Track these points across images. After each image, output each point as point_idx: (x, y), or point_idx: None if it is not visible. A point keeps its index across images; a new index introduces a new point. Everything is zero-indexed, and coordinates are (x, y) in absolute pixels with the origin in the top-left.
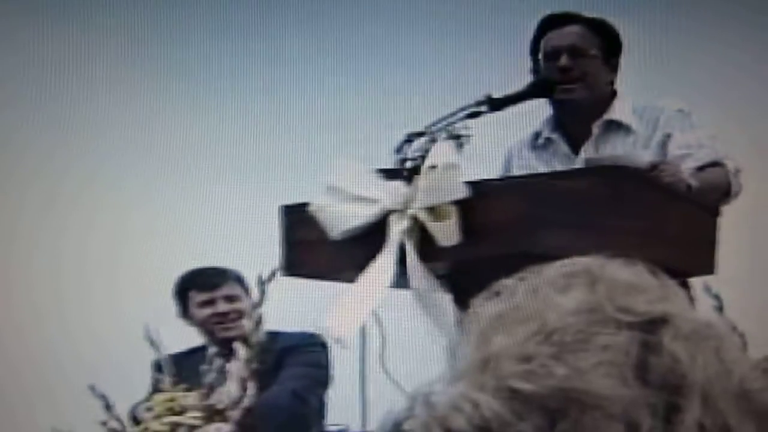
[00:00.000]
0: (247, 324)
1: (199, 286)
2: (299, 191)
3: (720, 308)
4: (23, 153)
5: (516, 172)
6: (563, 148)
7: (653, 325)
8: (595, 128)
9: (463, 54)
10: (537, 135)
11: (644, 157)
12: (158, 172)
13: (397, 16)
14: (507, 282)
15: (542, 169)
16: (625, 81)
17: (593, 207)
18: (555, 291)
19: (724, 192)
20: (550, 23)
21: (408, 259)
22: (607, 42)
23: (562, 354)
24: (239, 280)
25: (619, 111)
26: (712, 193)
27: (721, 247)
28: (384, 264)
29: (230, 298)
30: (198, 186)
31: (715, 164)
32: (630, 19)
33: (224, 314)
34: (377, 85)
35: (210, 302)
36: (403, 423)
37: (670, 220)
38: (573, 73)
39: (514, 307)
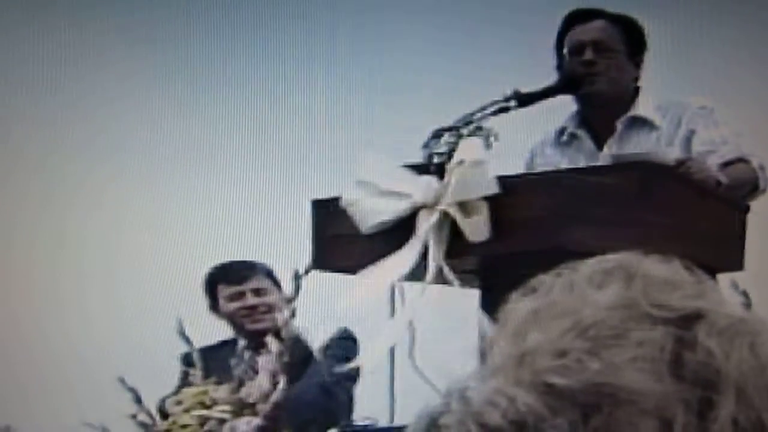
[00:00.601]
0: (279, 317)
1: (228, 280)
2: (331, 185)
3: (748, 305)
4: (51, 146)
5: (539, 170)
6: (588, 144)
7: (688, 320)
8: (619, 124)
9: (491, 50)
10: (562, 131)
11: (671, 153)
12: (191, 167)
13: (427, 11)
14: (543, 278)
15: (566, 165)
16: (648, 78)
17: (622, 202)
18: (591, 287)
19: (752, 188)
20: (575, 19)
21: (431, 255)
22: (631, 38)
23: (597, 349)
24: (268, 273)
25: (643, 107)
26: (740, 189)
27: (748, 243)
28: (404, 257)
29: (259, 292)
30: (230, 180)
31: (740, 160)
32: (654, 16)
33: (253, 307)
34: (406, 80)
35: (239, 295)
36: (438, 418)
37: (698, 216)
38: (597, 67)
39: (550, 303)
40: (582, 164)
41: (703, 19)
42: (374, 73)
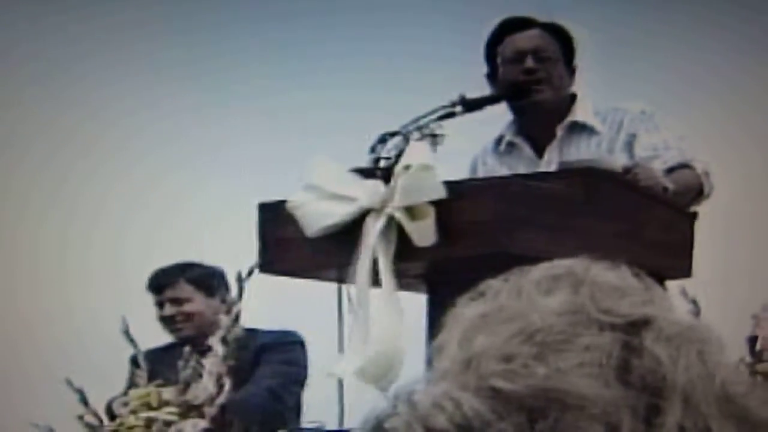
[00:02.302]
0: (224, 320)
1: (151, 288)
2: (278, 189)
3: (697, 313)
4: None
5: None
6: (527, 151)
7: (636, 326)
8: (560, 130)
9: (438, 53)
10: (499, 140)
11: (617, 160)
12: (138, 167)
13: (376, 14)
14: (491, 282)
15: (506, 173)
16: (585, 84)
17: (569, 208)
18: (539, 292)
19: (697, 193)
20: (508, 27)
21: (380, 260)
22: (565, 46)
23: (544, 354)
24: (192, 280)
25: (581, 113)
26: (686, 195)
27: (696, 250)
28: (363, 266)
29: (176, 301)
30: (177, 181)
31: (683, 166)
32: (586, 22)
33: (171, 317)
34: (353, 84)
35: (160, 305)
36: (385, 421)
37: (646, 222)
38: (539, 75)
39: (497, 308)
40: (521, 171)
41: (637, 25)
42: (322, 76)
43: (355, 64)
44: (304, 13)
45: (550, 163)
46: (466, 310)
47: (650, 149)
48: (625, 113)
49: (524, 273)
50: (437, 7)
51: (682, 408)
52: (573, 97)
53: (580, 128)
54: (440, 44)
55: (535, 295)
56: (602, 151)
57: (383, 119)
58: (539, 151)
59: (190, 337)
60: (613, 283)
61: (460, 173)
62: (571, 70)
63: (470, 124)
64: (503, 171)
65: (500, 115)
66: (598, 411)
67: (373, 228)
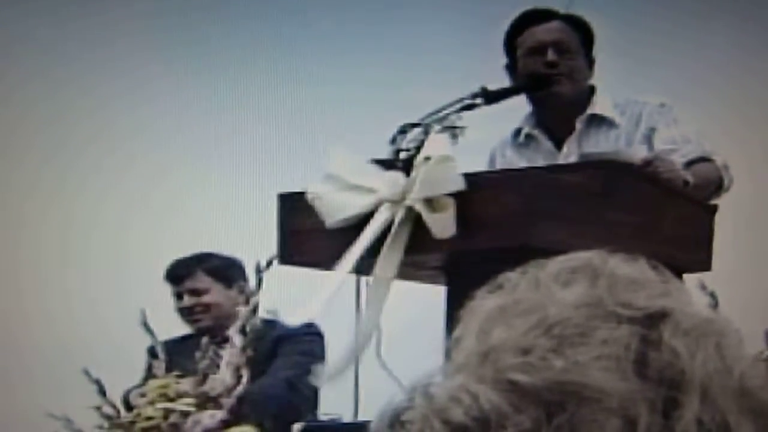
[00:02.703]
0: (242, 311)
1: (169, 279)
2: (298, 179)
3: (715, 306)
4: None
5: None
6: (546, 144)
7: (653, 319)
8: (579, 123)
9: (462, 45)
10: (518, 132)
11: (638, 152)
12: (159, 161)
13: (395, 5)
14: (509, 275)
15: (525, 166)
16: (603, 77)
17: (590, 201)
18: (557, 285)
19: (717, 187)
20: (529, 19)
21: (387, 248)
22: (585, 39)
23: (562, 347)
24: (211, 271)
25: (600, 106)
26: (706, 188)
27: (716, 244)
28: (383, 257)
29: (195, 292)
30: (197, 172)
31: (703, 159)
32: (608, 14)
33: (189, 308)
34: (375, 75)
35: (178, 296)
36: (402, 413)
37: (665, 215)
38: (560, 68)
39: (515, 300)
40: (540, 164)
41: (657, 17)
42: (343, 68)
43: (376, 57)
44: (323, 5)
45: (569, 155)
46: (483, 303)
47: (669, 142)
48: (644, 106)
49: (542, 265)
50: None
51: (699, 401)
52: (592, 90)
53: (599, 121)
54: (460, 37)
55: (552, 288)
56: (621, 144)
57: (404, 111)
58: (558, 144)
59: (208, 328)
60: (631, 275)
61: (480, 165)
62: (590, 62)
63: (490, 116)
64: (522, 163)
65: (520, 108)
66: (615, 404)
67: (393, 219)
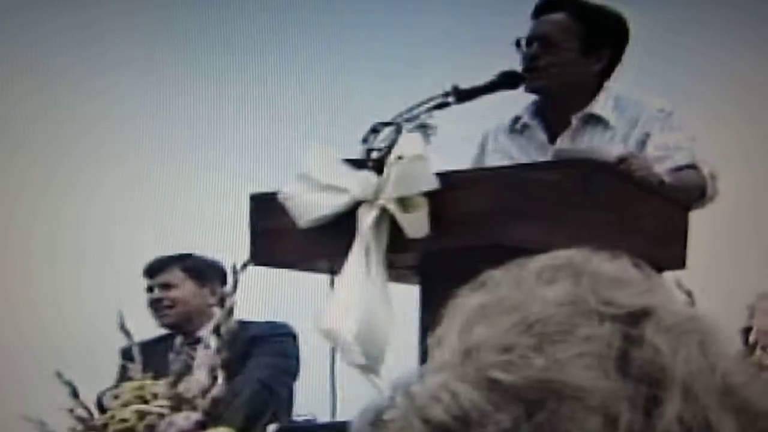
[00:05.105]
0: (217, 312)
1: (145, 273)
2: (270, 179)
3: (691, 304)
4: None
5: (489, 156)
6: (540, 135)
7: (636, 317)
8: (575, 120)
9: (433, 44)
10: (516, 120)
11: (613, 150)
12: (134, 160)
13: (368, 5)
14: (492, 273)
15: (516, 154)
16: (619, 75)
17: (563, 199)
18: (539, 283)
19: (699, 195)
20: (538, 10)
21: (372, 251)
22: (591, 32)
23: (543, 345)
24: (188, 269)
25: (600, 105)
26: (686, 193)
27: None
28: (357, 257)
29: (165, 286)
30: (170, 172)
31: (690, 167)
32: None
33: (157, 300)
34: (346, 74)
35: (150, 289)
36: (383, 413)
37: (640, 213)
38: (538, 63)
39: (497, 298)
40: (532, 155)
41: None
42: (315, 68)
43: (348, 55)
44: (296, 5)
45: (561, 149)
46: (466, 301)
47: (662, 149)
48: (643, 109)
49: (525, 264)
50: None
51: (681, 399)
52: (599, 86)
53: (596, 120)
54: (434, 33)
55: (535, 286)
56: (613, 145)
57: (376, 110)
58: (553, 137)
59: (173, 324)
60: (614, 274)
61: (453, 164)
62: (597, 58)
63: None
64: (513, 150)
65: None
66: (596, 402)
67: (366, 219)
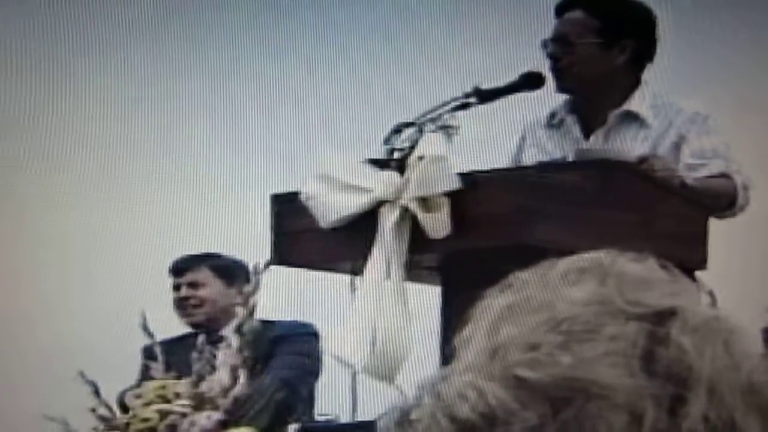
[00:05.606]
0: (240, 311)
1: (172, 271)
2: (293, 180)
3: (713, 304)
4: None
5: (528, 150)
6: (575, 131)
7: (662, 317)
8: (612, 117)
9: (455, 45)
10: (553, 114)
11: (634, 151)
12: (154, 160)
13: (389, 5)
14: (519, 274)
15: (551, 149)
16: (655, 72)
17: (584, 199)
18: (566, 284)
19: (728, 204)
20: (559, 10)
21: (393, 252)
22: (608, 25)
23: (569, 343)
24: (216, 268)
25: (637, 102)
26: (713, 200)
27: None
28: (378, 257)
29: (193, 285)
30: (192, 172)
31: (723, 176)
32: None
33: (185, 299)
34: (369, 74)
35: (176, 287)
36: (410, 412)
37: (661, 214)
38: (561, 63)
39: (524, 299)
40: (566, 150)
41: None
42: (336, 67)
43: (371, 55)
44: (320, 4)
45: (594, 146)
46: (493, 302)
47: (698, 156)
48: (679, 111)
49: (551, 265)
50: None
51: (706, 398)
52: (637, 82)
53: (632, 118)
54: (455, 35)
55: (561, 287)
56: (647, 145)
57: (398, 110)
58: (587, 133)
59: (200, 323)
60: (640, 274)
61: (475, 164)
62: (619, 50)
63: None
64: (549, 145)
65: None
66: (621, 400)
67: (388, 219)
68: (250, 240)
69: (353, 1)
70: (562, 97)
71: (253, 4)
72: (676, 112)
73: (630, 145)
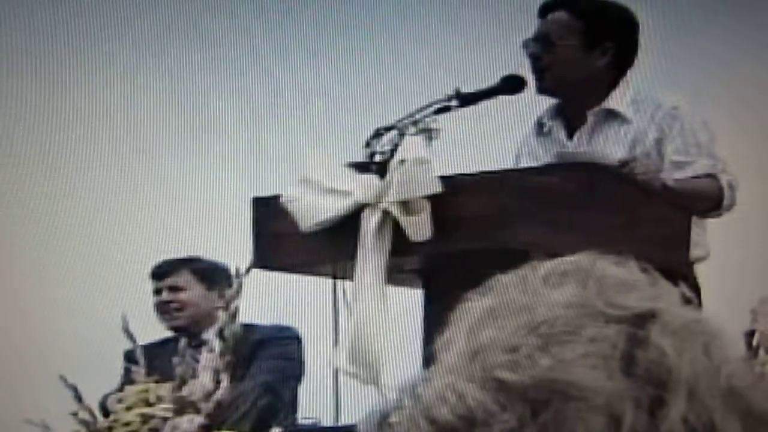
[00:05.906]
0: (221, 315)
1: (153, 275)
2: (273, 183)
3: (695, 307)
4: None
5: (525, 159)
6: (560, 134)
7: (642, 319)
8: (591, 116)
9: (436, 48)
10: (541, 123)
11: (616, 150)
12: (136, 162)
13: (367, 10)
14: (500, 277)
15: (542, 155)
16: (635, 69)
17: (565, 202)
18: (547, 286)
19: (713, 204)
20: (542, 10)
21: (374, 255)
22: (591, 26)
23: (548, 345)
24: (197, 271)
25: (616, 100)
26: (698, 202)
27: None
28: (359, 261)
29: (175, 288)
30: (173, 175)
31: (708, 176)
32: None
33: (166, 303)
34: (349, 78)
35: (157, 292)
36: (389, 414)
37: (642, 216)
38: (541, 63)
39: (505, 301)
40: (553, 154)
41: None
42: (318, 72)
43: (352, 57)
44: (299, 6)
45: (578, 147)
46: (474, 305)
47: (683, 153)
48: (659, 106)
49: (532, 268)
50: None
51: (686, 401)
52: (616, 80)
53: (613, 115)
54: (437, 39)
55: (542, 289)
56: (628, 141)
57: (380, 115)
58: (570, 135)
59: (181, 327)
60: (621, 277)
61: (456, 167)
62: (601, 52)
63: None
64: (540, 152)
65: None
66: (600, 402)
67: (369, 223)
68: (232, 243)
69: (335, 4)
70: (546, 101)
71: (235, 7)
72: (656, 107)
73: (613, 144)
